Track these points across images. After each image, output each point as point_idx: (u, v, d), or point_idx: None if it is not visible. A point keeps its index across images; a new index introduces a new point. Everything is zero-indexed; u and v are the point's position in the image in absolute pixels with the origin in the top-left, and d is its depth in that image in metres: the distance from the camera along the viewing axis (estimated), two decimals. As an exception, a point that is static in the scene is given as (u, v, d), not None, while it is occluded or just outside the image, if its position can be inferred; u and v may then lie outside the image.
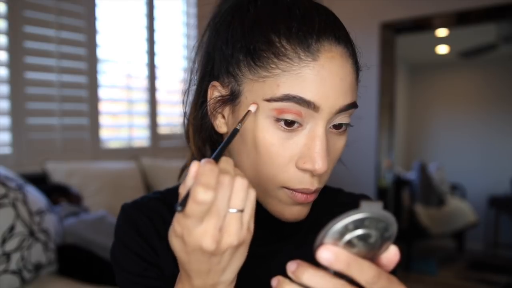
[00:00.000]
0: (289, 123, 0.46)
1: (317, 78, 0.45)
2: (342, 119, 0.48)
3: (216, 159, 0.37)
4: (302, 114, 0.45)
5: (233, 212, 0.36)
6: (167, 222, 0.58)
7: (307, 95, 0.44)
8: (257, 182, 0.50)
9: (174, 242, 0.38)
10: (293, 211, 0.50)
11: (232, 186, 0.35)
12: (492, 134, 4.56)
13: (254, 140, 0.47)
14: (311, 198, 0.50)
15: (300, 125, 0.46)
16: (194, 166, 0.35)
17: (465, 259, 4.12)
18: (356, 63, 0.50)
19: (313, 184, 0.48)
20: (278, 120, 0.46)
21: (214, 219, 0.35)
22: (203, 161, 0.35)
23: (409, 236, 3.69)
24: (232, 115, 0.51)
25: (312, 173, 0.47)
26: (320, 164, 0.45)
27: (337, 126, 0.49)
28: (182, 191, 0.36)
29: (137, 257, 0.55)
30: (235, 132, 0.44)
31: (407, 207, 3.74)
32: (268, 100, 0.45)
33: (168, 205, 0.60)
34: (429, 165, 4.23)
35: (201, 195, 0.33)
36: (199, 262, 0.37)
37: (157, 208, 0.59)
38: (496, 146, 4.53)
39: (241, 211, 0.36)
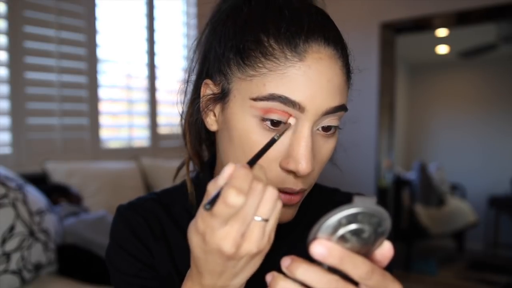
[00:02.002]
0: (275, 123, 0.46)
1: (303, 78, 0.44)
2: (331, 121, 0.47)
3: (251, 165, 0.37)
4: (288, 114, 0.45)
5: (258, 220, 0.36)
6: (163, 223, 0.58)
7: (293, 95, 0.44)
8: None
9: (194, 239, 0.37)
10: None
11: (263, 194, 0.35)
12: (492, 134, 4.55)
13: (240, 139, 0.47)
14: (295, 199, 0.49)
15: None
16: (230, 168, 0.35)
17: (465, 259, 4.12)
18: (346, 66, 0.49)
19: (296, 185, 0.48)
20: (264, 119, 0.46)
21: (239, 223, 0.35)
22: (238, 165, 0.35)
23: (409, 236, 3.69)
24: (222, 113, 0.51)
25: (296, 174, 0.47)
26: (303, 165, 0.45)
27: (326, 129, 0.48)
28: (211, 190, 0.35)
29: (133, 258, 0.56)
30: (272, 142, 0.43)
31: (407, 207, 3.74)
32: (254, 99, 0.45)
33: (164, 205, 0.60)
34: (429, 165, 4.23)
35: (233, 198, 0.33)
36: (214, 263, 0.37)
37: (153, 209, 0.59)
38: (496, 146, 4.53)
39: (266, 220, 0.36)
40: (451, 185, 4.45)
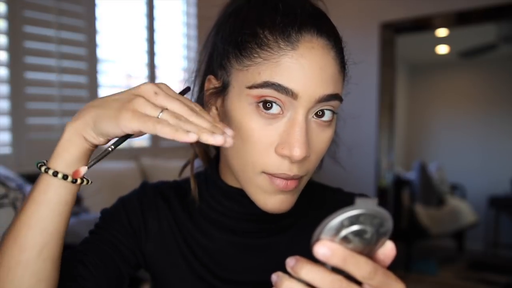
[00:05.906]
0: (269, 107, 0.47)
1: (296, 66, 0.46)
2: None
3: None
4: (282, 101, 0.47)
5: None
6: (173, 210, 0.62)
7: (286, 83, 0.46)
8: (241, 169, 0.51)
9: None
10: (275, 201, 0.51)
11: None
12: (492, 134, 4.56)
13: (237, 127, 0.49)
14: (292, 185, 0.50)
15: (281, 112, 0.48)
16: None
17: (465, 259, 4.12)
18: (340, 57, 0.50)
19: (291, 170, 0.49)
20: (258, 105, 0.48)
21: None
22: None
23: (409, 236, 3.69)
24: (222, 105, 0.53)
25: (291, 160, 0.48)
26: (297, 151, 0.46)
27: (320, 115, 0.49)
28: None
29: (126, 220, 0.60)
30: (106, 153, 0.48)
31: (407, 207, 3.74)
32: (250, 87, 0.47)
33: (179, 196, 0.64)
34: (429, 165, 4.23)
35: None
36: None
37: (171, 195, 0.64)
38: (496, 146, 4.53)
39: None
40: (451, 185, 4.45)
